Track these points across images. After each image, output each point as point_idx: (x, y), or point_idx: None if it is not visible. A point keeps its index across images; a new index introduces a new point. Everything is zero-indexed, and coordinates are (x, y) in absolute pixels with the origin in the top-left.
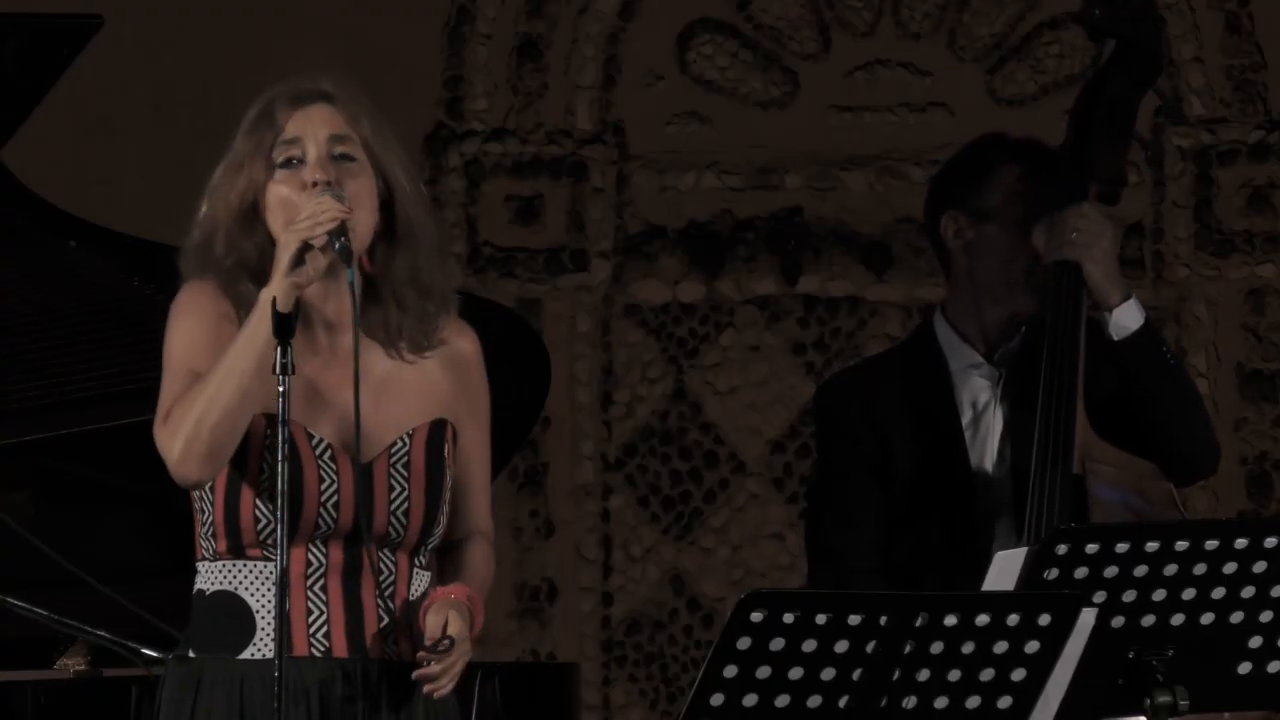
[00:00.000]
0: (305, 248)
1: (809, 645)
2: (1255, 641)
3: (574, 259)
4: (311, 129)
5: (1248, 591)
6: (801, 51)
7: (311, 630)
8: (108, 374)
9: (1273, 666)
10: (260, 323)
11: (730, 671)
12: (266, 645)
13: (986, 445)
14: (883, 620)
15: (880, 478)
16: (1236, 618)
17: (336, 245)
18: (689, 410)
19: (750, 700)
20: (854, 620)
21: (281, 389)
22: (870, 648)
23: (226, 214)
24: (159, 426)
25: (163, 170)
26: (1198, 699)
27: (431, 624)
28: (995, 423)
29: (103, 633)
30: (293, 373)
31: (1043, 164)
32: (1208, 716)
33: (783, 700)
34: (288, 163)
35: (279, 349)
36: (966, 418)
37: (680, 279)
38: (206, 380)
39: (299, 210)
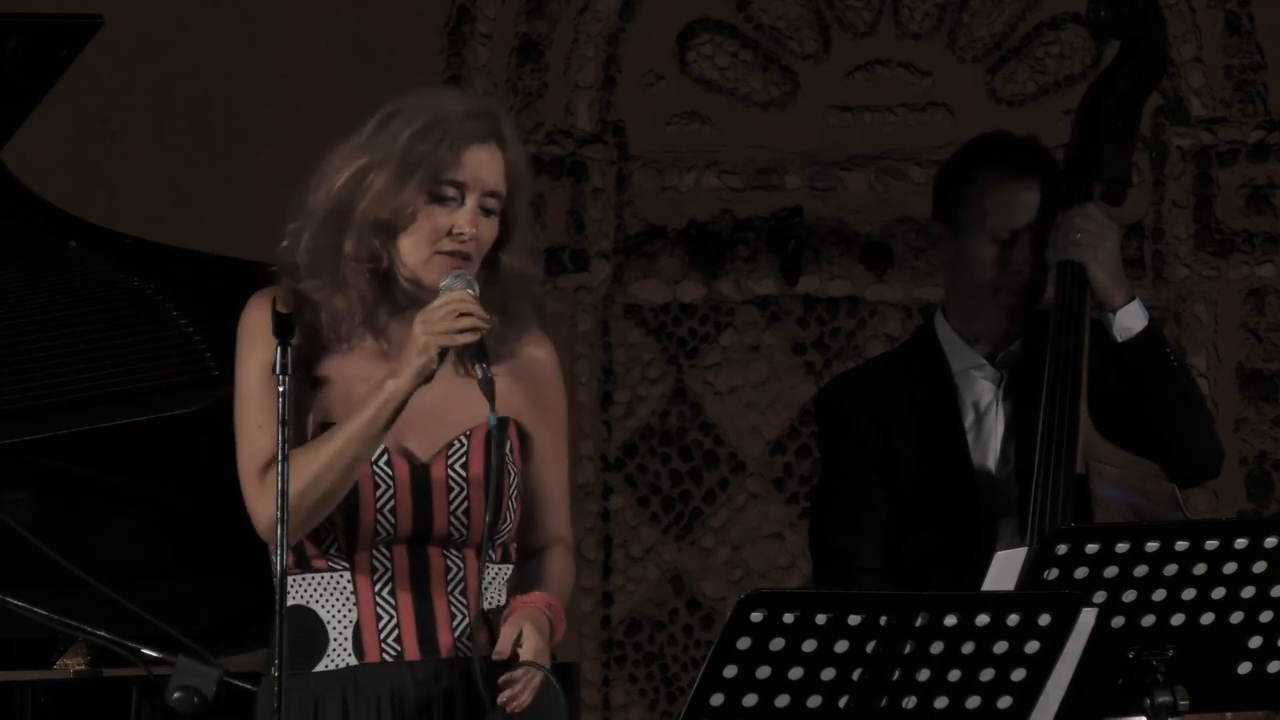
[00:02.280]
0: (443, 354)
1: (809, 645)
2: (1255, 641)
3: (574, 259)
4: (479, 179)
5: (1248, 591)
6: (801, 51)
7: (381, 636)
8: (108, 374)
9: (1273, 666)
10: (379, 413)
11: (730, 671)
12: (339, 656)
13: (989, 446)
14: (883, 620)
15: (884, 479)
16: (1236, 618)
17: (480, 376)
18: (689, 410)
19: (750, 700)
20: (854, 620)
21: (281, 389)
22: (870, 648)
23: (369, 214)
24: (253, 482)
25: (163, 170)
26: (1198, 699)
27: (505, 635)
28: (998, 424)
29: (103, 633)
30: (292, 373)
31: (1024, 172)
32: (1208, 716)
33: (783, 700)
34: (444, 199)
35: (279, 349)
36: (969, 419)
37: (680, 279)
38: (315, 454)
39: (433, 242)
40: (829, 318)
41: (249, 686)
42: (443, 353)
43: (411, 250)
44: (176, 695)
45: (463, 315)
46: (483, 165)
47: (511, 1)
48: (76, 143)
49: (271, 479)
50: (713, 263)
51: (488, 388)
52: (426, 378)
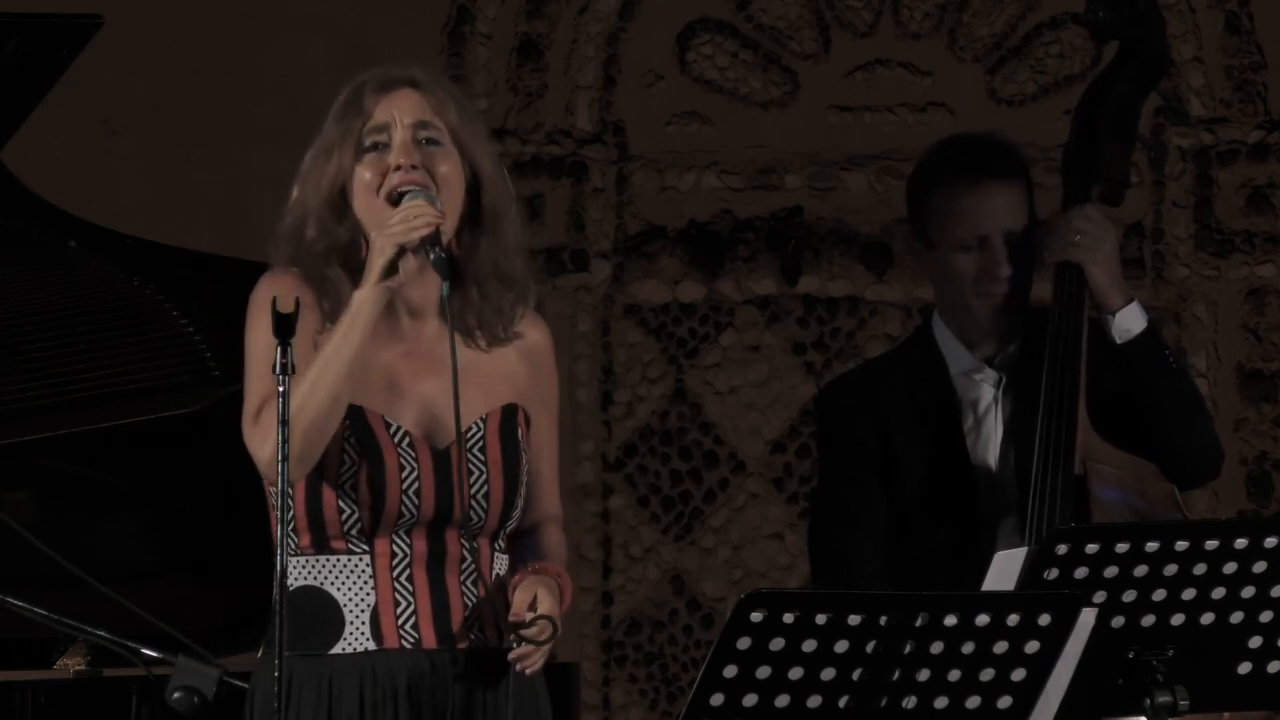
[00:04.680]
0: (399, 253)
1: (809, 645)
2: (1255, 641)
3: (574, 259)
4: (398, 114)
5: (1248, 591)
6: (801, 51)
7: (400, 622)
8: (108, 374)
9: (1273, 666)
10: (352, 326)
11: (730, 671)
12: (356, 640)
13: (989, 447)
14: (883, 620)
15: (884, 480)
16: (1236, 618)
17: (432, 257)
18: (689, 410)
19: (750, 700)
20: (854, 620)
21: (281, 389)
22: (870, 648)
23: (317, 200)
24: (249, 426)
25: (163, 170)
26: (1198, 699)
27: (518, 600)
28: (997, 425)
29: (103, 633)
30: (293, 372)
31: (981, 174)
32: (1208, 716)
33: (783, 700)
34: (374, 147)
35: (279, 349)
36: (969, 420)
37: (680, 279)
38: (298, 383)
39: (378, 190)
40: (829, 318)
41: (248, 686)
42: (401, 251)
43: (365, 209)
44: (176, 695)
45: (418, 216)
46: (396, 105)
47: (511, 1)
48: (76, 143)
49: (264, 422)
50: (713, 263)
51: (441, 266)
52: (388, 273)
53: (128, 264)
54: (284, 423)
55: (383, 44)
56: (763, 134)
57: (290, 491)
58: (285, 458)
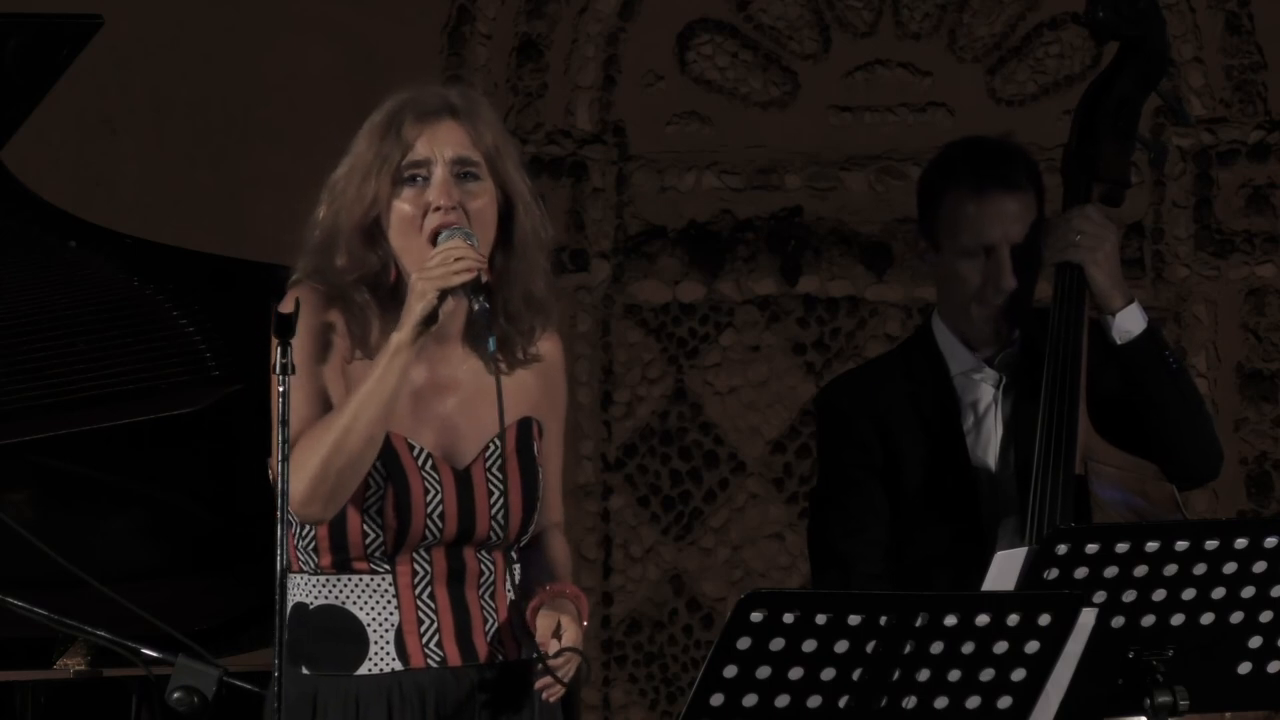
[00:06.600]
0: (441, 299)
1: (809, 645)
2: (1255, 641)
3: (574, 259)
4: (438, 149)
5: (1248, 591)
6: (801, 51)
7: (424, 640)
8: (108, 374)
9: (1273, 666)
10: (389, 369)
11: (730, 671)
12: (382, 660)
13: (989, 447)
14: (883, 620)
15: (884, 481)
16: (1236, 618)
17: (476, 308)
18: (689, 410)
19: (750, 700)
20: (854, 620)
21: (281, 389)
22: (870, 648)
23: (349, 224)
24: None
25: (163, 170)
26: (1198, 699)
27: (542, 628)
28: (997, 425)
29: (103, 633)
30: (293, 373)
31: (992, 184)
32: (1208, 716)
33: (783, 700)
34: (412, 180)
35: (279, 349)
36: (969, 420)
37: (680, 279)
38: (332, 422)
39: (419, 225)
40: (829, 318)
41: (249, 686)
42: (442, 296)
43: (403, 244)
44: (176, 695)
45: (458, 260)
46: (436, 138)
47: (511, 1)
48: (76, 143)
49: (297, 459)
50: (713, 263)
51: (484, 317)
52: (430, 322)
53: (128, 264)
54: (284, 423)
55: (383, 44)
56: (763, 134)
57: (284, 487)
58: (285, 458)
